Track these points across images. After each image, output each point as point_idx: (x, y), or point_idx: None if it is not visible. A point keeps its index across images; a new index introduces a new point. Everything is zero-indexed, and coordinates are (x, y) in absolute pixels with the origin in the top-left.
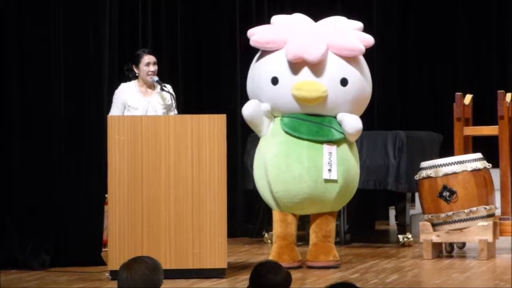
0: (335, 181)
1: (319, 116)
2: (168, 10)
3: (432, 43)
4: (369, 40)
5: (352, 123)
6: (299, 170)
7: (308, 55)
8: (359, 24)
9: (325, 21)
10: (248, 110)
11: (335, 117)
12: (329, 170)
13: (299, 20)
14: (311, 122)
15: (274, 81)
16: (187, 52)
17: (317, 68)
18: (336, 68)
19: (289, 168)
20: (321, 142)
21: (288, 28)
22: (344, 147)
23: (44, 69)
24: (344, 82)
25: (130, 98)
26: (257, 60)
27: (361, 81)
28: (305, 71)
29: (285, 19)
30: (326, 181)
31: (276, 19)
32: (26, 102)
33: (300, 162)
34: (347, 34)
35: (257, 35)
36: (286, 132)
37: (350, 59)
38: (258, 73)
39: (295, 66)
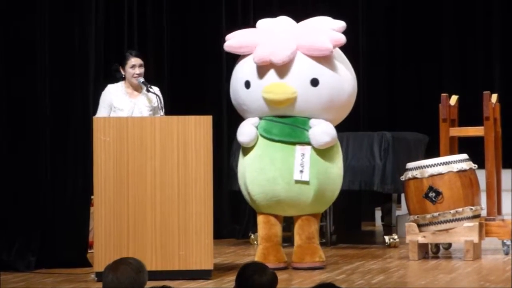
0: (307, 182)
1: (293, 117)
2: (154, 10)
3: (418, 43)
4: (340, 39)
5: (317, 138)
6: (273, 172)
7: (274, 58)
8: (341, 24)
9: (305, 22)
10: (246, 138)
11: (310, 118)
12: (301, 171)
13: (282, 23)
14: (283, 123)
15: (247, 84)
16: (173, 53)
17: (285, 70)
18: (305, 68)
19: (263, 171)
20: (294, 144)
21: (263, 32)
22: (320, 148)
23: (29, 69)
24: (314, 82)
25: (116, 99)
26: (236, 64)
27: (335, 80)
28: (274, 74)
29: (269, 23)
30: (298, 182)
31: (261, 23)
32: (11, 102)
33: (273, 164)
34: (318, 33)
35: (230, 40)
36: (261, 135)
37: (321, 59)
38: (235, 77)
39: (264, 69)
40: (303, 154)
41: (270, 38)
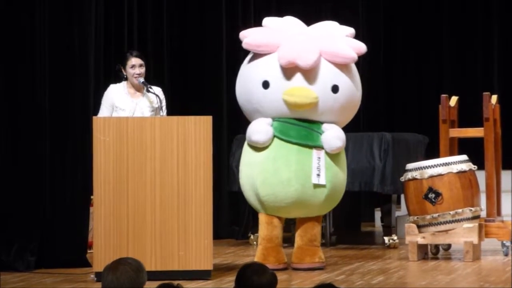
0: (323, 186)
1: (308, 121)
2: (154, 10)
3: (418, 44)
4: (361, 47)
5: (331, 143)
6: (287, 174)
7: (301, 61)
8: (351, 30)
9: (317, 26)
10: (264, 137)
11: (323, 122)
12: (318, 175)
13: (291, 23)
14: (300, 126)
15: (265, 84)
16: (172, 53)
17: (309, 74)
18: (328, 75)
19: (277, 172)
20: (310, 147)
21: (281, 32)
22: (333, 153)
23: (28, 68)
24: (335, 89)
25: (118, 99)
26: (248, 62)
27: (351, 88)
28: (297, 77)
29: (277, 22)
30: (315, 185)
31: (268, 21)
32: (11, 101)
33: (288, 166)
34: (339, 41)
35: (249, 37)
36: (276, 136)
37: (342, 66)
38: (249, 75)
39: (288, 71)
40: (319, 157)
41: (291, 40)
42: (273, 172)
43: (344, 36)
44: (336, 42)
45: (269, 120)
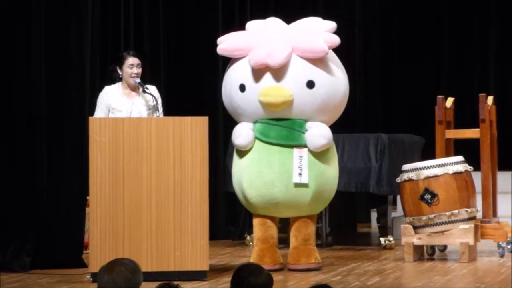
0: (306, 185)
1: (289, 120)
2: (150, 10)
3: (414, 45)
4: (334, 40)
5: (314, 141)
6: (270, 175)
7: (270, 61)
8: (332, 25)
9: (297, 23)
10: (244, 141)
11: (306, 120)
12: (300, 174)
13: (272, 24)
14: (280, 126)
15: (242, 88)
16: (169, 54)
17: (281, 73)
18: (301, 71)
19: (261, 174)
20: (291, 146)
21: (256, 34)
22: (317, 151)
23: (24, 69)
24: (310, 84)
25: (114, 101)
26: (229, 67)
27: (330, 83)
28: (271, 77)
29: (259, 24)
30: (297, 185)
31: (250, 24)
32: (7, 102)
33: (271, 167)
34: (313, 35)
35: (224, 43)
36: (257, 138)
37: (316, 61)
38: (229, 80)
39: (259, 72)
40: (300, 156)
41: (264, 40)
42: (257, 174)
43: (321, 30)
44: (307, 37)
45: (251, 124)
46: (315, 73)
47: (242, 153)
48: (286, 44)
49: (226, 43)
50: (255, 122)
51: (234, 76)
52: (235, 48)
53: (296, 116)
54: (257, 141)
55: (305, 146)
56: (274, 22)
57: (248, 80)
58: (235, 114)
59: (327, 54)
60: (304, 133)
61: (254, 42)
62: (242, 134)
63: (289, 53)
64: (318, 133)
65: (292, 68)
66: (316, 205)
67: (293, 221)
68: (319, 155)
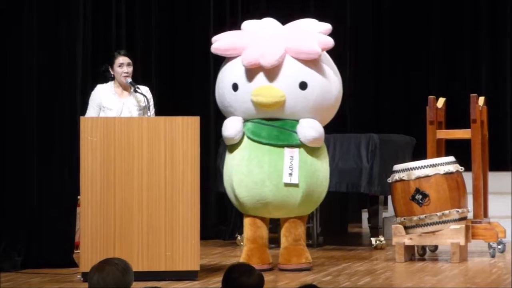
0: (296, 185)
1: (281, 120)
2: (142, 10)
3: (406, 45)
4: (328, 42)
5: (305, 133)
6: (260, 175)
7: (263, 61)
8: (327, 26)
9: (292, 24)
10: (232, 131)
11: (298, 121)
12: (290, 174)
13: (267, 25)
14: (272, 126)
15: (235, 87)
16: (160, 53)
17: (274, 73)
18: (294, 72)
19: (251, 173)
20: (282, 146)
21: (250, 34)
22: (308, 151)
23: (16, 68)
24: (303, 85)
25: (105, 99)
26: (222, 66)
27: (323, 83)
28: (263, 77)
29: (254, 25)
30: (287, 185)
31: (246, 25)
32: None
33: (261, 167)
34: (307, 36)
35: (218, 42)
36: (248, 137)
37: (309, 62)
38: (222, 79)
39: (252, 72)
40: (291, 157)
41: (258, 41)
42: (247, 173)
43: (317, 32)
44: (301, 38)
45: (240, 118)
46: (308, 74)
47: (233, 152)
48: (279, 45)
49: (220, 42)
50: (247, 121)
51: (227, 75)
52: (229, 47)
53: (288, 116)
54: (248, 140)
55: (296, 146)
56: (269, 23)
57: (241, 79)
58: (227, 113)
59: (321, 56)
60: (296, 132)
61: (248, 42)
62: (231, 125)
63: (282, 54)
64: (310, 125)
65: (285, 69)
66: (306, 206)
67: (283, 222)
68: (311, 155)
